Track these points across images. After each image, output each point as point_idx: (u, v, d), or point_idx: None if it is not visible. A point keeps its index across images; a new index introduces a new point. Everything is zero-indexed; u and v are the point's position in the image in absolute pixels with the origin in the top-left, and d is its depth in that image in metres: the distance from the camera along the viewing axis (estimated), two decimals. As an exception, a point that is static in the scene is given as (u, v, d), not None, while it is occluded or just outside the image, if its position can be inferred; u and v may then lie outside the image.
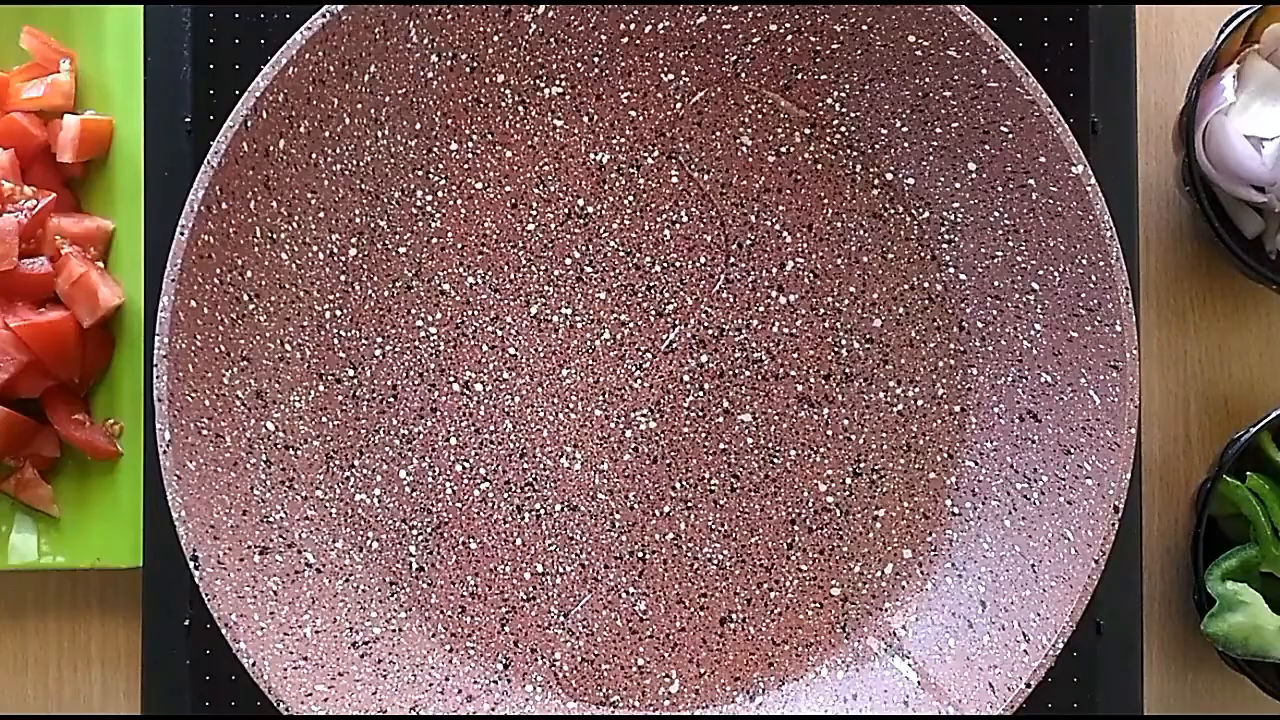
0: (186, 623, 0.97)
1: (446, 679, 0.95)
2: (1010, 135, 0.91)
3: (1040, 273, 0.93)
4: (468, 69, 0.95)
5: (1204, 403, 1.09)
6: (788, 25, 0.94)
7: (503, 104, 0.96)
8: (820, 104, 0.97)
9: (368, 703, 0.91)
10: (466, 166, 0.96)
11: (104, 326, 1.03)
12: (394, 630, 0.95)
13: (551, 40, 0.95)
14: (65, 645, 1.07)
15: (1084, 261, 0.90)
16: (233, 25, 0.97)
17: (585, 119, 0.97)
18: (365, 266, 0.95)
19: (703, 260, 0.97)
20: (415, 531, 0.96)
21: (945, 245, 0.97)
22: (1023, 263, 0.94)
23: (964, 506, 0.96)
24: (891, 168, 0.97)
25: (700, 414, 0.97)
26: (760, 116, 0.97)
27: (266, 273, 0.92)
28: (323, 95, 0.90)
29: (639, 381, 0.97)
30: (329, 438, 0.95)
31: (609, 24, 0.95)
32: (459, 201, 0.96)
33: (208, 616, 0.88)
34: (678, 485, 0.97)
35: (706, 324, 0.97)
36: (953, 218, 0.96)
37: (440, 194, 0.96)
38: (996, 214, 0.94)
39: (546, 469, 0.97)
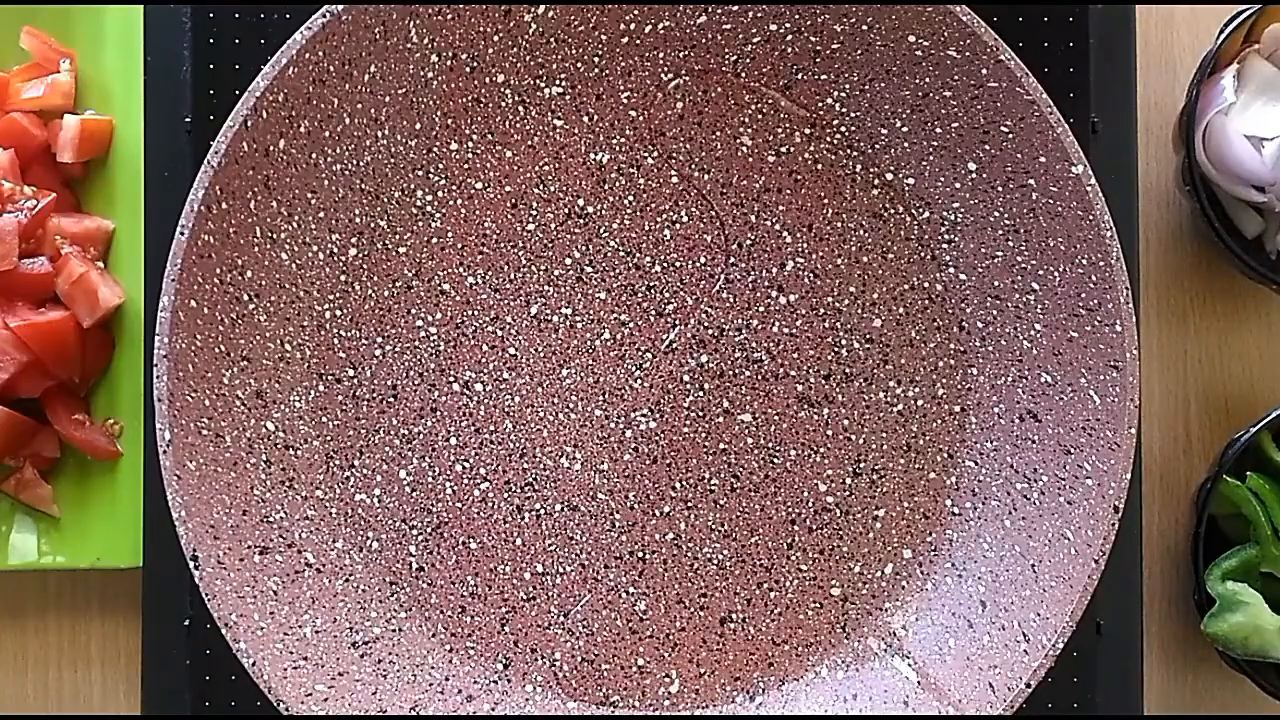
0: (186, 623, 0.97)
1: (446, 679, 0.95)
2: (1010, 135, 0.91)
3: (1040, 273, 0.93)
4: (468, 69, 0.95)
5: (1204, 402, 1.09)
6: (788, 25, 0.94)
7: (503, 104, 0.96)
8: (820, 104, 0.97)
9: (368, 703, 0.91)
10: (466, 166, 0.96)
11: (104, 326, 1.03)
12: (394, 630, 0.95)
13: (552, 40, 0.95)
14: (65, 645, 1.07)
15: (1084, 261, 0.90)
16: (233, 25, 0.98)
17: (585, 119, 0.97)
18: (365, 266, 0.95)
19: (703, 260, 0.97)
20: (415, 531, 0.96)
21: (945, 245, 0.97)
22: (1023, 263, 0.94)
23: (964, 506, 0.96)
24: (891, 168, 0.97)
25: (700, 414, 0.97)
26: (760, 116, 0.97)
27: (266, 272, 0.92)
28: (323, 95, 0.90)
29: (639, 381, 0.97)
30: (329, 438, 0.95)
31: (609, 24, 0.95)
32: (459, 201, 0.96)
33: (208, 616, 0.88)
34: (678, 485, 0.97)
35: (706, 324, 0.97)
36: (953, 218, 0.96)
37: (440, 194, 0.96)
38: (996, 214, 0.94)
39: (546, 469, 0.97)
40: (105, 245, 1.03)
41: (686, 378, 0.97)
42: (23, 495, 1.03)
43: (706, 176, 0.97)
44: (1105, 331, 0.90)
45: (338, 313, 0.95)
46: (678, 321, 0.97)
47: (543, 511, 0.96)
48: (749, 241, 0.97)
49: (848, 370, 0.97)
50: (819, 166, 0.97)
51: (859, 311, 0.97)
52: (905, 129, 0.96)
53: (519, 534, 0.96)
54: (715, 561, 0.97)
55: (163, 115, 0.99)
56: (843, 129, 0.97)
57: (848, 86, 0.96)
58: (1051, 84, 0.93)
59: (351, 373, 0.95)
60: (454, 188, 0.96)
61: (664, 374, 0.97)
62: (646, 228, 0.97)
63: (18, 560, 1.03)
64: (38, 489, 1.03)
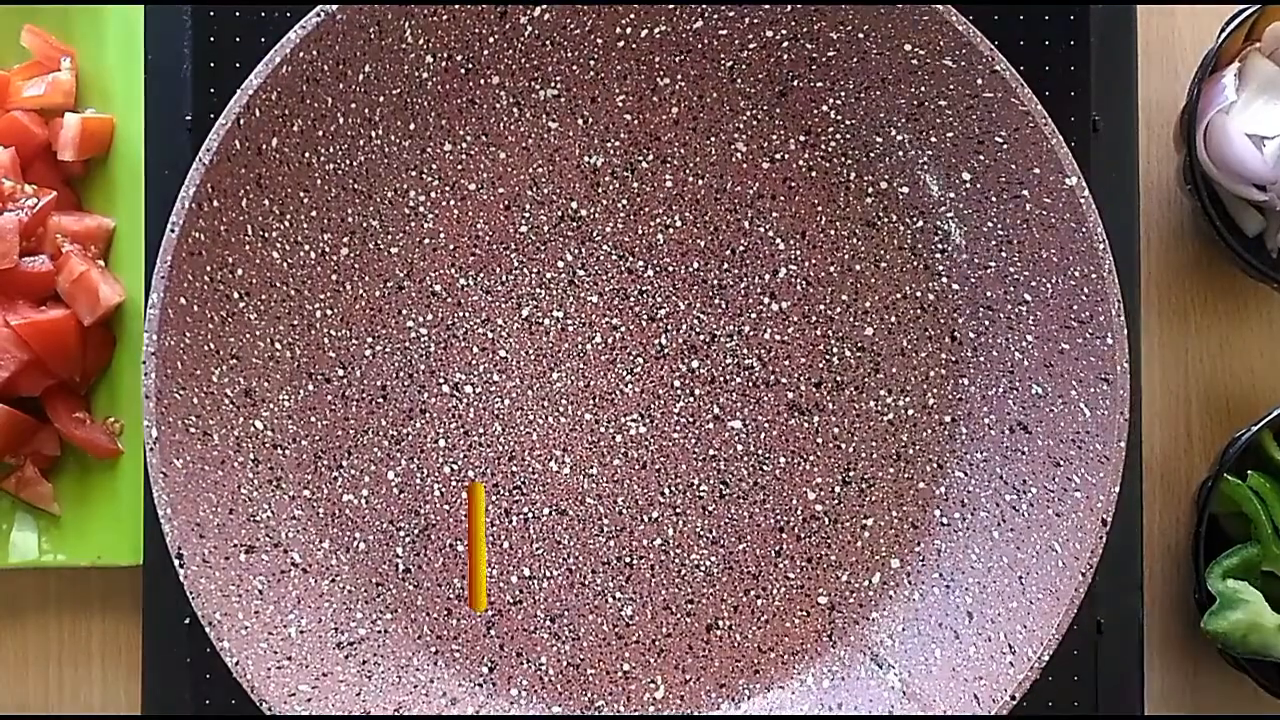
0: (187, 622, 0.97)
1: (431, 681, 0.95)
2: (1005, 146, 0.91)
3: (1033, 284, 0.92)
4: (462, 70, 0.95)
5: (1205, 401, 1.09)
6: (784, 32, 0.94)
7: (497, 105, 0.96)
8: (815, 111, 0.97)
9: (351, 704, 0.91)
10: (460, 167, 0.96)
11: (105, 325, 1.03)
12: (379, 631, 0.95)
13: (547, 42, 0.95)
14: (66, 643, 1.07)
15: (1077, 274, 0.90)
16: (233, 24, 0.98)
17: (580, 122, 0.97)
18: (357, 266, 0.95)
19: (695, 266, 0.97)
20: (402, 533, 0.96)
21: (938, 255, 0.96)
22: (1016, 274, 0.93)
23: (953, 517, 0.96)
24: (886, 176, 0.97)
25: (690, 420, 0.97)
26: (755, 122, 0.97)
27: (257, 271, 0.92)
28: (316, 94, 0.90)
29: (629, 386, 0.97)
30: (317, 437, 0.95)
31: (605, 27, 0.95)
32: (452, 202, 0.96)
33: (209, 615, 0.88)
34: (666, 491, 0.97)
35: (698, 329, 0.97)
36: (946, 228, 0.96)
37: (433, 195, 0.96)
38: (990, 225, 0.93)
39: (535, 472, 0.96)
40: (106, 244, 1.03)
41: (677, 383, 0.97)
42: (23, 493, 1.03)
43: (700, 182, 0.97)
44: (1097, 344, 0.90)
45: (328, 312, 0.95)
46: (669, 327, 0.97)
47: (530, 515, 0.96)
48: (742, 248, 0.97)
49: (839, 378, 0.97)
50: (813, 174, 0.97)
51: (851, 320, 0.97)
52: (900, 138, 0.95)
53: (506, 537, 0.96)
54: (703, 568, 0.96)
55: (163, 114, 0.99)
56: (837, 136, 0.97)
57: (843, 94, 0.95)
58: (1052, 83, 0.93)
59: (341, 373, 0.95)
60: (447, 189, 0.96)
61: (655, 379, 0.97)
62: (640, 232, 0.97)
63: (18, 558, 1.03)
64: (38, 487, 1.03)
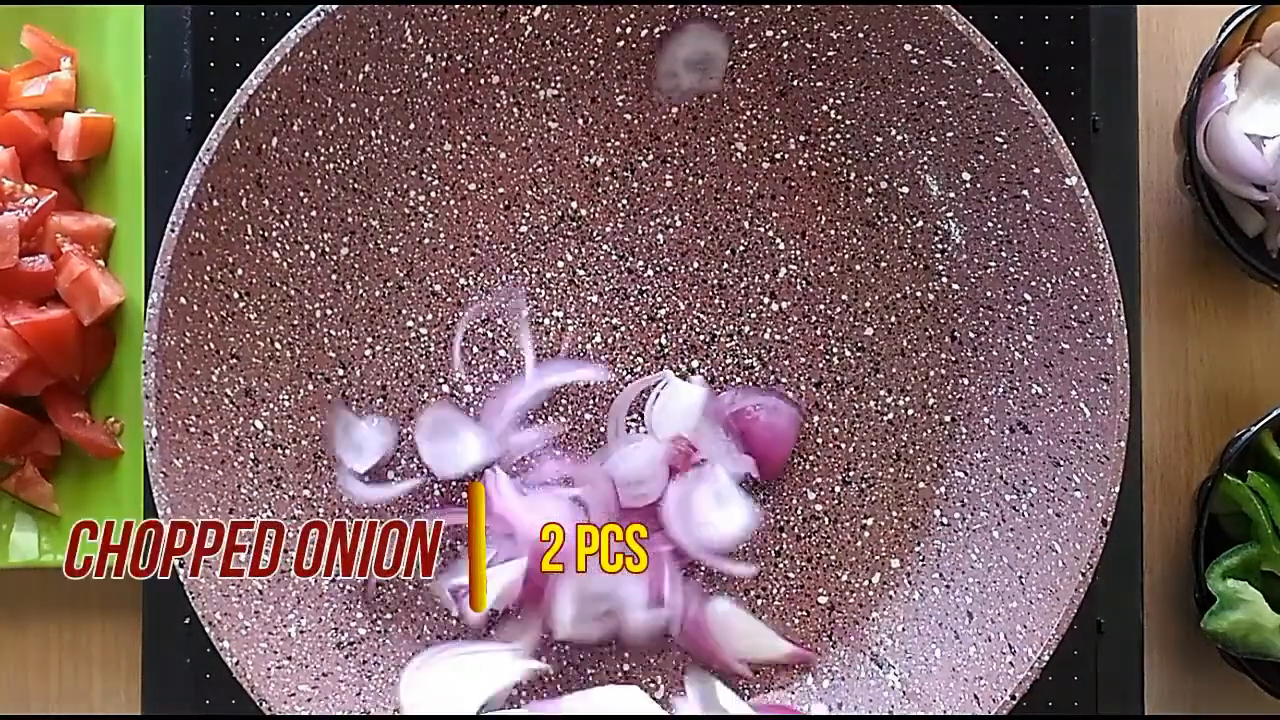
0: (187, 622, 0.97)
1: (431, 681, 0.95)
2: (1005, 146, 0.91)
3: (1033, 284, 0.92)
4: (463, 70, 0.95)
5: (1205, 401, 1.09)
6: (784, 32, 0.94)
7: (497, 105, 0.96)
8: (815, 111, 0.97)
9: (351, 703, 0.91)
10: (460, 167, 0.96)
11: (105, 324, 1.03)
12: (379, 631, 0.94)
13: (547, 42, 0.95)
14: (66, 644, 1.07)
15: (1077, 274, 0.90)
16: (233, 24, 0.98)
17: (580, 121, 0.97)
18: (357, 266, 0.96)
19: (695, 266, 0.97)
20: (402, 532, 0.96)
21: (938, 255, 0.96)
22: (1016, 274, 0.93)
23: (952, 517, 0.96)
24: (886, 176, 0.97)
25: (690, 420, 0.97)
26: (755, 122, 0.97)
27: (257, 271, 0.92)
28: (316, 94, 0.90)
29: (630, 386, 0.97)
30: (317, 437, 0.95)
31: (605, 27, 0.95)
32: (452, 202, 0.96)
33: (209, 616, 0.88)
34: (666, 491, 0.97)
35: (698, 329, 0.97)
36: (946, 227, 0.96)
37: (433, 194, 0.96)
38: (990, 224, 0.93)
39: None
40: (106, 243, 1.03)
41: (678, 383, 0.97)
42: (23, 493, 1.03)
43: (700, 182, 0.97)
44: (1097, 344, 0.90)
45: (328, 312, 0.95)
46: (669, 326, 0.97)
47: (530, 514, 0.96)
48: (742, 248, 0.97)
49: (839, 378, 0.97)
50: (813, 174, 0.97)
51: (851, 319, 0.97)
52: (900, 137, 0.95)
53: (507, 535, 0.96)
54: (703, 568, 0.96)
55: (163, 114, 0.99)
56: (837, 136, 0.97)
57: (843, 94, 0.96)
58: (1052, 83, 0.93)
59: (341, 372, 0.96)
60: (447, 189, 0.96)
61: (655, 379, 0.97)
62: (640, 232, 0.97)
63: (18, 559, 1.03)
64: (38, 487, 1.03)
